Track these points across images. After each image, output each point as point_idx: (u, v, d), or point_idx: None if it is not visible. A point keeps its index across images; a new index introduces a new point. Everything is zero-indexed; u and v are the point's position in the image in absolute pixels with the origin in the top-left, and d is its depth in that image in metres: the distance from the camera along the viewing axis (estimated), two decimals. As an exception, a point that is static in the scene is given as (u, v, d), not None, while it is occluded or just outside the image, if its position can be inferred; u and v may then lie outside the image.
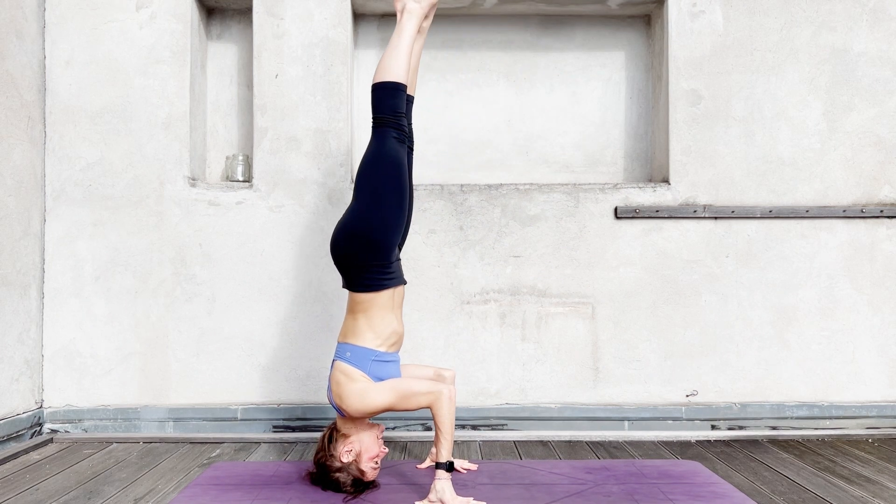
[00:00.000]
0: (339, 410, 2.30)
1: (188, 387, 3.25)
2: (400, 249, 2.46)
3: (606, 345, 3.29)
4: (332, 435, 2.33)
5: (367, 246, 2.30)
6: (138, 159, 3.27)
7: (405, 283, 2.44)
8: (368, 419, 2.35)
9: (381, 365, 2.32)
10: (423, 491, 2.32)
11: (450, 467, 2.21)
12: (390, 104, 2.40)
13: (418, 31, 2.49)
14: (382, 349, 2.34)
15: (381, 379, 2.32)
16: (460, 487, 2.33)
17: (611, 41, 3.62)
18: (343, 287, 2.40)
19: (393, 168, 2.36)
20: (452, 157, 3.60)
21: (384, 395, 2.25)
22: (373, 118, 2.44)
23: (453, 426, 2.24)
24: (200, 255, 3.26)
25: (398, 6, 2.48)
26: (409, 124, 2.55)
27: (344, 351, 2.33)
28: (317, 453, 2.35)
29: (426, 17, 2.50)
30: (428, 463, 2.61)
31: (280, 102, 3.30)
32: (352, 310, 2.37)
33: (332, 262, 3.23)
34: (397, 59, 2.40)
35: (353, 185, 3.27)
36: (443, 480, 2.20)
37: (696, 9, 3.32)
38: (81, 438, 3.16)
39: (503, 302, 3.30)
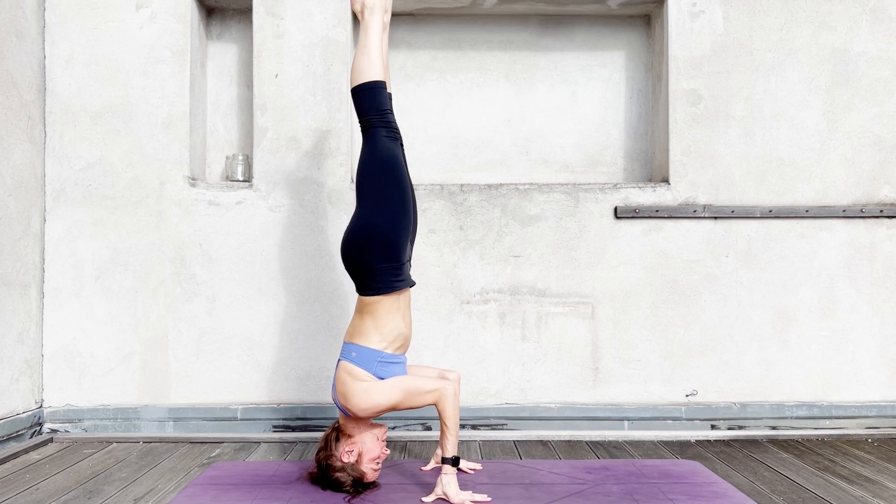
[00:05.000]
0: (344, 411, 2.29)
1: (188, 387, 3.25)
2: (411, 249, 2.45)
3: (606, 345, 3.29)
4: (335, 434, 2.33)
5: (379, 248, 2.29)
6: (138, 159, 3.27)
7: (413, 284, 2.43)
8: (372, 419, 2.35)
9: (386, 366, 2.31)
10: (424, 491, 2.33)
11: (455, 462, 2.23)
12: (374, 104, 2.39)
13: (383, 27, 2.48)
14: (388, 351, 2.33)
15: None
16: (461, 487, 2.33)
17: (611, 41, 3.62)
18: (356, 291, 2.39)
19: (391, 168, 2.36)
20: (452, 157, 3.60)
21: (389, 393, 2.24)
22: (360, 122, 2.43)
23: (458, 422, 2.26)
24: (200, 254, 3.26)
25: (356, 7, 2.47)
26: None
27: (350, 351, 2.32)
28: (318, 452, 2.35)
29: (386, 10, 2.49)
30: (432, 464, 2.60)
31: (280, 102, 3.30)
32: (359, 310, 2.35)
33: (330, 263, 3.25)
34: (369, 58, 2.39)
35: (352, 186, 3.28)
36: (448, 475, 2.22)
37: (696, 9, 3.32)
38: (81, 438, 3.16)
39: (503, 302, 3.30)
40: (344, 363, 2.32)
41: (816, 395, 3.29)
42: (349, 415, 2.29)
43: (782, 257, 3.30)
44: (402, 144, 2.49)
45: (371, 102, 2.39)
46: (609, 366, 3.29)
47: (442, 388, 2.24)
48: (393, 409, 2.26)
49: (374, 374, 2.29)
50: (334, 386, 2.32)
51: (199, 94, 3.41)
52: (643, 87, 3.61)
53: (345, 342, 2.37)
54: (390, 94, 2.54)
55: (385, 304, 2.31)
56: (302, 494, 2.31)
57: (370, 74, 2.39)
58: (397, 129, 2.44)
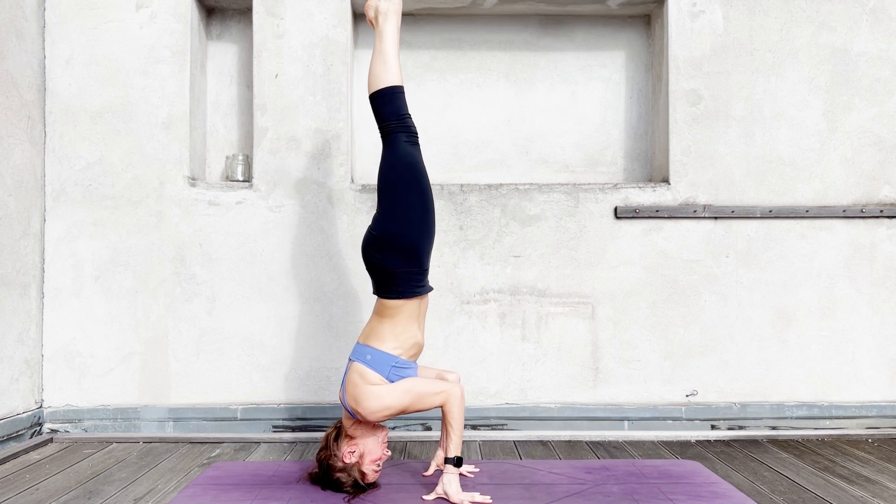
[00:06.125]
0: (352, 413, 2.28)
1: (188, 387, 3.25)
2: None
3: (606, 345, 3.29)
4: (337, 434, 2.33)
5: (402, 253, 2.29)
6: (138, 159, 3.27)
7: (431, 289, 2.42)
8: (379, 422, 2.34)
9: (400, 371, 2.30)
10: (424, 490, 2.33)
11: (458, 463, 2.24)
12: (392, 110, 2.39)
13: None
14: (403, 357, 2.33)
15: None
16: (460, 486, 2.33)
17: (611, 41, 3.62)
18: (373, 293, 2.38)
19: (411, 173, 2.35)
20: (452, 157, 3.60)
21: (401, 397, 2.24)
22: (379, 128, 2.42)
23: (462, 423, 2.27)
24: (200, 254, 3.26)
25: (370, 13, 2.47)
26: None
27: (364, 353, 2.31)
28: (320, 451, 2.35)
29: (398, 14, 2.46)
30: (433, 468, 2.58)
31: (280, 102, 3.30)
32: (379, 313, 2.34)
33: (330, 263, 3.25)
34: (386, 64, 2.39)
35: (353, 186, 3.29)
36: (450, 475, 2.23)
37: (696, 9, 3.32)
38: (81, 438, 3.16)
39: (503, 302, 3.30)
40: (356, 364, 2.30)
41: (816, 395, 3.29)
42: (357, 417, 2.28)
43: (782, 257, 3.30)
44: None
45: (390, 108, 2.39)
46: (609, 366, 3.29)
47: (450, 390, 2.25)
48: (402, 412, 2.26)
49: (386, 379, 2.29)
50: (344, 387, 2.31)
51: (199, 94, 3.41)
52: (643, 87, 3.61)
53: (359, 343, 2.35)
54: None
55: (406, 309, 2.31)
56: (302, 494, 2.31)
57: (388, 80, 2.38)
58: (416, 132, 2.44)
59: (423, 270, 2.35)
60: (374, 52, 2.43)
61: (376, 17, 2.45)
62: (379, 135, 3.59)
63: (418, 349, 2.38)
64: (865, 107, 3.32)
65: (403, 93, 2.42)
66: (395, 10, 2.43)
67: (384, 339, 2.31)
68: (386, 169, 2.37)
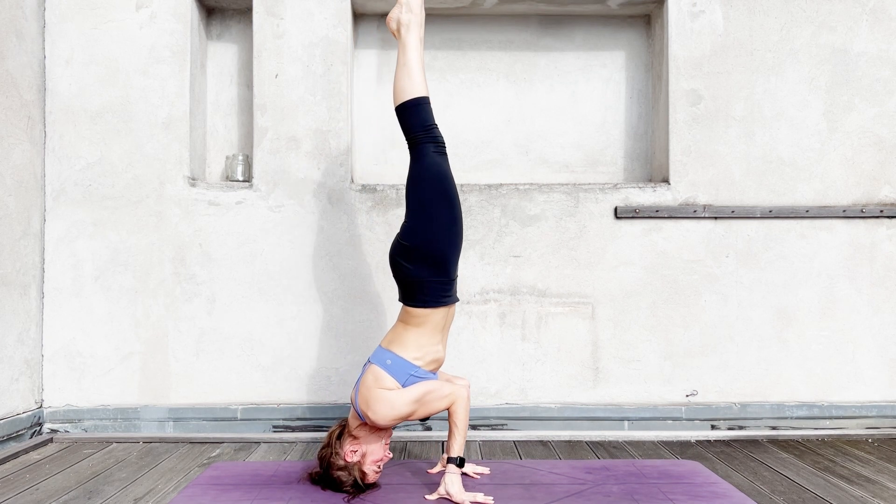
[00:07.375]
0: (362, 416, 2.28)
1: (188, 387, 3.25)
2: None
3: (606, 345, 3.29)
4: (341, 433, 2.33)
5: (426, 262, 2.30)
6: (138, 159, 3.27)
7: (458, 300, 2.43)
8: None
9: (417, 381, 2.31)
10: (425, 490, 2.33)
11: (460, 463, 2.26)
12: (419, 121, 2.39)
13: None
14: (424, 368, 2.34)
15: None
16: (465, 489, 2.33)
17: (611, 41, 3.62)
18: (399, 300, 2.39)
19: (438, 182, 2.35)
20: (452, 156, 3.59)
21: (411, 405, 2.26)
22: (406, 139, 2.43)
23: (467, 424, 2.30)
24: (200, 254, 3.26)
25: (392, 25, 2.48)
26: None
27: (384, 358, 2.32)
28: (322, 448, 2.35)
29: (420, 25, 2.47)
30: (439, 468, 2.59)
31: (280, 102, 3.29)
32: (403, 320, 2.36)
33: (330, 263, 3.25)
34: (410, 76, 2.39)
35: (353, 186, 3.29)
36: (453, 475, 2.25)
37: (696, 9, 3.32)
38: (81, 438, 3.16)
39: (503, 302, 3.29)
40: (373, 367, 2.31)
41: (816, 395, 3.29)
42: (365, 420, 2.28)
43: (782, 257, 3.30)
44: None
45: (417, 119, 2.39)
46: (609, 366, 3.29)
47: (457, 392, 2.28)
48: (410, 418, 2.28)
49: (402, 386, 2.30)
50: (357, 388, 2.31)
51: (199, 94, 3.41)
52: (643, 87, 3.61)
53: (380, 347, 2.37)
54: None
55: (431, 319, 2.33)
56: (302, 495, 2.31)
57: (413, 91, 2.39)
58: (443, 141, 2.43)
59: (450, 280, 2.35)
60: (397, 64, 2.44)
61: (398, 29, 2.46)
62: (381, 135, 3.61)
63: (438, 364, 2.40)
64: (865, 107, 3.32)
65: (429, 103, 2.42)
66: (417, 22, 2.44)
67: (407, 346, 2.32)
68: (414, 179, 2.38)
